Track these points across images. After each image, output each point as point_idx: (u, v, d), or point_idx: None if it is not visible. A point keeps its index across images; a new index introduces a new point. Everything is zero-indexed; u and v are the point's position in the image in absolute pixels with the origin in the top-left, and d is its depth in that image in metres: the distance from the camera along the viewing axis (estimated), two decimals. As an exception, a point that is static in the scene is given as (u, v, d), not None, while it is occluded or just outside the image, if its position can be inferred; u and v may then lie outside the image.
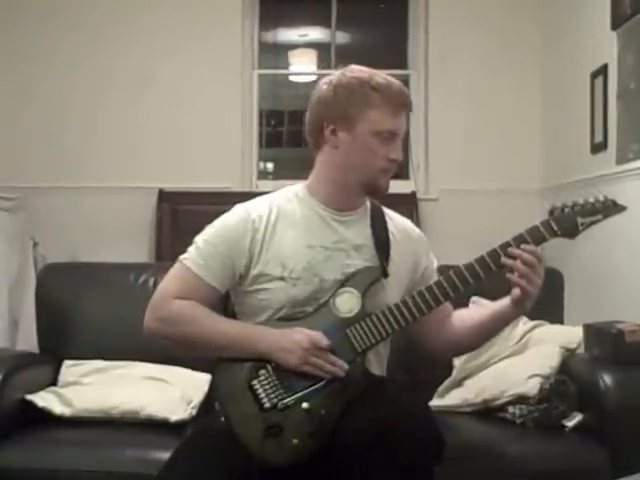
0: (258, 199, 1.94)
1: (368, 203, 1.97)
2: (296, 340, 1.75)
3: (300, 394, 1.74)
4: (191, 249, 1.88)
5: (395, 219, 2.01)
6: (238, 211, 1.90)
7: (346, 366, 1.75)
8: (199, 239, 1.88)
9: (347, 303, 1.82)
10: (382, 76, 1.88)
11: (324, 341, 1.76)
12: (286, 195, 1.94)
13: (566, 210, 1.82)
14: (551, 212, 1.83)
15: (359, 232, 1.91)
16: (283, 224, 1.87)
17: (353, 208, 1.93)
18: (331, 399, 1.73)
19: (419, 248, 2.00)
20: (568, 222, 1.81)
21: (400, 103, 1.87)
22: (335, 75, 1.90)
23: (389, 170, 1.88)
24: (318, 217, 1.90)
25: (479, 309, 2.01)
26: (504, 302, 1.87)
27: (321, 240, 1.87)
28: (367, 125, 1.84)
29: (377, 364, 1.91)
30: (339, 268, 1.85)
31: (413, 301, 1.81)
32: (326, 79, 1.91)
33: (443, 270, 1.91)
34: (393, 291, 1.88)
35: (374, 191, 1.91)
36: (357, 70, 1.90)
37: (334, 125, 1.86)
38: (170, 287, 1.86)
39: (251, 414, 1.73)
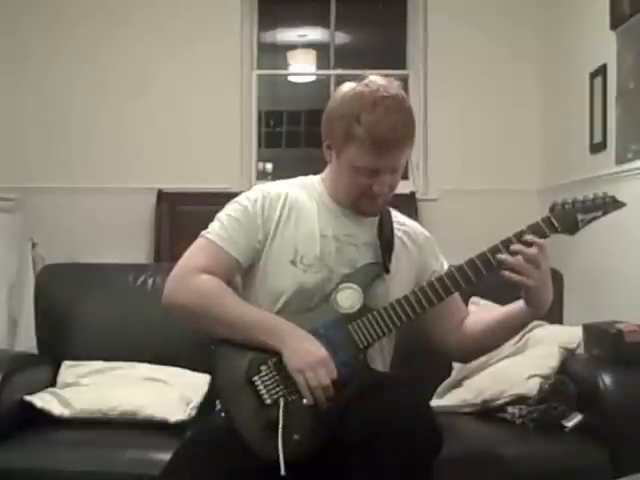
0: (275, 183, 1.96)
1: None
2: (309, 350, 1.73)
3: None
4: (214, 224, 1.88)
5: (403, 222, 2.01)
6: (258, 190, 1.91)
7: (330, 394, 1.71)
8: (221, 215, 1.88)
9: (349, 299, 1.82)
10: (378, 110, 1.75)
11: (333, 369, 1.72)
12: (303, 183, 1.96)
13: (566, 207, 1.82)
14: (552, 208, 1.84)
15: (367, 230, 1.92)
16: (298, 209, 1.88)
17: None
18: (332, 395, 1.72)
19: (427, 251, 2.00)
20: (568, 218, 1.81)
21: (387, 144, 1.76)
22: (345, 89, 1.84)
23: (374, 198, 1.85)
24: (330, 210, 1.91)
25: (495, 311, 2.00)
26: (520, 302, 1.87)
27: (333, 231, 1.88)
28: (348, 157, 1.82)
29: (381, 360, 1.92)
30: (347, 262, 1.86)
31: (415, 297, 1.81)
32: (342, 88, 1.85)
33: (444, 270, 1.92)
34: (396, 290, 1.87)
35: (360, 212, 1.90)
36: (359, 92, 1.79)
37: (328, 142, 1.88)
38: (195, 259, 1.84)
39: (252, 410, 1.73)
